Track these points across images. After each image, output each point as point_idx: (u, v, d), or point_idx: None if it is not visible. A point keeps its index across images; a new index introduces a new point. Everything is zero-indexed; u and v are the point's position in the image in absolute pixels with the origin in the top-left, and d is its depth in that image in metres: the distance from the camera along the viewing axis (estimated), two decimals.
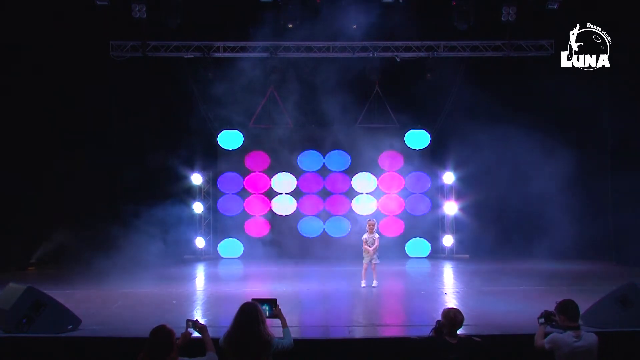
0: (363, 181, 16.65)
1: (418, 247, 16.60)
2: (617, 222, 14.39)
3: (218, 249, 16.56)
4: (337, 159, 16.73)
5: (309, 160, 16.72)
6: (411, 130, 16.51)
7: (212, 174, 16.89)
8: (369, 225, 11.32)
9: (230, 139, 16.56)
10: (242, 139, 16.49)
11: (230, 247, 16.56)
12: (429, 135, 16.48)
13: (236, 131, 16.48)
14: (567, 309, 5.10)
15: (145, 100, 15.38)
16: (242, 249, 16.48)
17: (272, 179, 16.59)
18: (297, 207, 16.60)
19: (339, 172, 16.72)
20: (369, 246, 11.12)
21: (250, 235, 16.52)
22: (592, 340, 4.99)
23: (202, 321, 5.00)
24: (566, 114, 14.66)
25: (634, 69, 13.25)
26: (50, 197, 14.27)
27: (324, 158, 16.72)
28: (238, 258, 16.28)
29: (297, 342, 5.06)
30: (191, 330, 4.92)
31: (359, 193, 16.63)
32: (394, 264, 14.40)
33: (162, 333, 4.45)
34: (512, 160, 14.89)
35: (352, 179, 16.64)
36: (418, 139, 16.57)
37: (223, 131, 16.48)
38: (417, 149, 16.54)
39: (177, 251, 15.77)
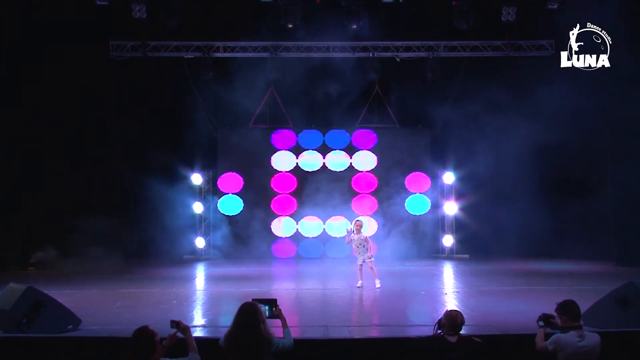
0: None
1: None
2: (617, 222, 14.37)
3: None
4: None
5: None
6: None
7: (212, 174, 16.88)
8: (356, 226, 11.01)
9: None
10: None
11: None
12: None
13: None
14: (568, 309, 5.07)
15: (145, 101, 15.37)
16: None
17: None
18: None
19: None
20: (357, 247, 10.89)
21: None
22: (595, 340, 4.98)
23: (202, 321, 4.98)
24: (565, 113, 14.64)
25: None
26: (50, 197, 14.25)
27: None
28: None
29: (297, 342, 5.06)
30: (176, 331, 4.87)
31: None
32: (394, 263, 14.41)
33: (144, 334, 4.42)
34: (512, 160, 14.87)
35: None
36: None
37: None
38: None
39: (177, 251, 15.76)
